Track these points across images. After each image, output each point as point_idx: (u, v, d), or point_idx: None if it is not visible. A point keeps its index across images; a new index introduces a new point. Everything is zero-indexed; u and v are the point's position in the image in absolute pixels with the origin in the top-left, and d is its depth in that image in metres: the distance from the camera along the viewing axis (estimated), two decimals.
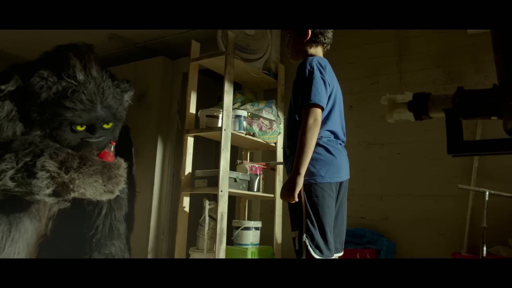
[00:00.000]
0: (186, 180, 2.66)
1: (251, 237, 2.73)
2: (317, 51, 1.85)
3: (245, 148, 3.21)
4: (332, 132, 1.73)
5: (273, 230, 2.97)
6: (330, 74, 1.74)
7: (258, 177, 2.84)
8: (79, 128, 2.05)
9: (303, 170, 1.58)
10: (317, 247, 1.57)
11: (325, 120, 1.69)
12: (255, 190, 2.81)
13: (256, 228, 2.78)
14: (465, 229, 2.47)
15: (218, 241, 2.40)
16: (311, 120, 1.59)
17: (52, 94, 2.04)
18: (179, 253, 2.58)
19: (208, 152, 4.07)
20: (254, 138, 2.81)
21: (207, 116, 2.67)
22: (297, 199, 1.60)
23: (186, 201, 2.65)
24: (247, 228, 2.73)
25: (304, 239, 1.57)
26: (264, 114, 2.87)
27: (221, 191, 2.45)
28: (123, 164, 2.03)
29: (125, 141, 2.48)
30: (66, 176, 1.83)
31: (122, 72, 3.91)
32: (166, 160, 3.61)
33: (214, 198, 2.68)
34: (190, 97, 2.75)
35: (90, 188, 1.87)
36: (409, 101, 1.48)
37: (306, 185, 1.61)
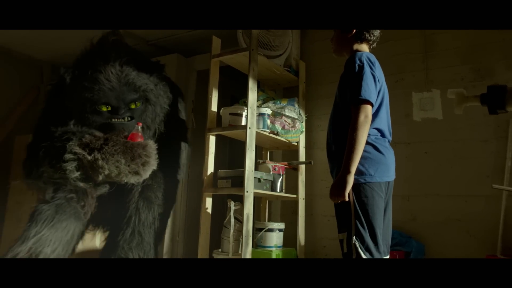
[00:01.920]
0: (209, 180, 2.57)
1: (274, 239, 2.65)
2: (363, 47, 1.80)
3: (265, 148, 3.13)
4: (379, 130, 1.66)
5: (295, 231, 2.88)
6: (379, 71, 1.69)
7: (281, 177, 2.76)
8: (104, 108, 2.06)
9: (354, 168, 1.50)
10: (368, 250, 1.49)
11: (373, 118, 1.62)
12: (278, 190, 2.73)
13: (280, 230, 2.70)
14: (498, 230, 2.39)
15: (245, 243, 2.31)
16: (362, 117, 1.52)
17: (75, 77, 2.13)
18: (202, 256, 2.49)
19: (221, 151, 3.99)
20: (277, 137, 2.73)
21: (230, 114, 2.58)
22: (347, 199, 1.52)
23: (208, 202, 2.56)
24: (271, 230, 2.65)
25: (353, 241, 1.50)
26: (287, 112, 2.79)
27: (247, 191, 2.37)
28: (150, 144, 2.01)
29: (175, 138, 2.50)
30: (89, 157, 1.87)
31: None
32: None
33: (235, 199, 2.60)
34: (211, 95, 2.66)
35: (114, 169, 1.88)
36: (482, 94, 1.41)
37: (355, 185, 1.54)
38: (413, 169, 2.72)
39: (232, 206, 2.46)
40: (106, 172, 1.88)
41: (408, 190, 2.72)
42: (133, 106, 2.08)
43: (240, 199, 2.53)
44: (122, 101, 2.05)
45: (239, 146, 3.55)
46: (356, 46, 1.80)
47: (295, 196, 2.88)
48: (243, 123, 2.55)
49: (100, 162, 1.87)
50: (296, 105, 2.86)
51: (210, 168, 2.59)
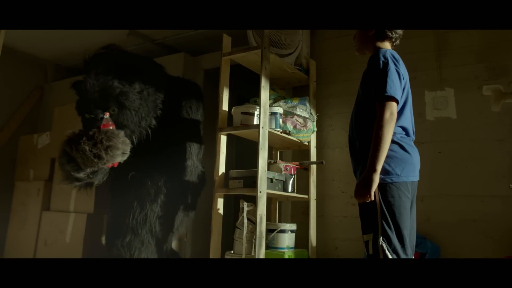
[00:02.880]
0: (220, 180, 2.52)
1: (286, 240, 2.61)
2: (385, 45, 1.77)
3: (275, 147, 3.09)
4: (404, 128, 1.63)
5: (306, 232, 2.84)
6: (403, 68, 1.66)
7: (293, 177, 2.71)
8: (88, 116, 2.23)
9: (379, 167, 1.47)
10: (395, 251, 1.45)
11: (398, 115, 1.59)
12: (290, 191, 2.68)
13: (292, 231, 2.66)
14: None
15: (258, 244, 2.27)
16: (387, 114, 1.49)
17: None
18: (214, 257, 2.44)
19: (227, 151, 3.94)
20: (288, 137, 2.69)
21: (242, 113, 2.54)
22: (373, 198, 1.48)
23: (220, 203, 2.51)
24: (283, 231, 2.61)
25: (380, 243, 1.45)
26: (298, 111, 2.75)
27: (260, 192, 2.32)
28: (112, 131, 2.12)
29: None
30: (68, 149, 2.08)
31: None
32: None
33: (246, 199, 2.56)
34: (222, 94, 2.62)
35: (83, 156, 2.04)
36: None
37: (381, 185, 1.50)
38: (426, 169, 2.64)
39: (245, 207, 2.42)
40: (80, 160, 2.05)
41: (421, 191, 2.63)
42: (112, 112, 2.22)
43: (251, 200, 2.49)
44: (96, 108, 2.20)
45: (246, 146, 3.50)
46: (378, 44, 1.77)
47: (306, 196, 2.84)
48: (255, 122, 2.51)
49: (74, 152, 2.05)
50: (308, 104, 2.82)
51: (222, 168, 2.55)
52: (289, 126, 2.70)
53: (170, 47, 3.90)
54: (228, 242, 2.77)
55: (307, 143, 2.90)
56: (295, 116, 2.74)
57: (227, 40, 2.70)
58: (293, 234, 2.67)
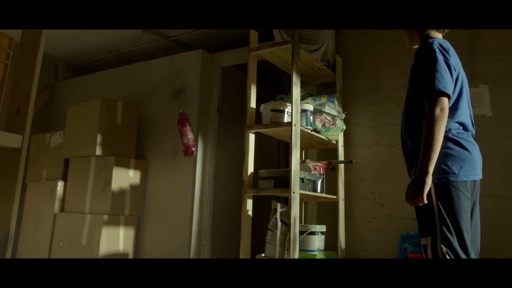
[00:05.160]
0: (249, 180, 2.43)
1: (317, 242, 2.51)
2: (432, 34, 1.66)
3: (300, 146, 2.99)
4: (460, 123, 1.53)
5: (334, 234, 2.75)
6: (454, 57, 1.55)
7: (322, 177, 2.62)
8: None
9: (431, 168, 1.37)
10: (456, 256, 1.35)
11: (452, 110, 1.49)
12: (319, 191, 2.59)
13: (322, 233, 2.56)
14: None
15: (292, 247, 2.18)
16: (437, 111, 1.39)
17: None
18: None
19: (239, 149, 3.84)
20: (318, 135, 2.60)
21: (272, 110, 2.44)
22: (425, 201, 1.38)
23: (249, 204, 2.41)
24: (313, 233, 2.51)
25: (441, 248, 1.35)
26: (327, 109, 2.65)
27: (294, 192, 2.23)
28: None
29: None
30: None
31: (158, 66, 3.69)
32: (206, 160, 3.37)
33: (277, 200, 2.46)
34: (250, 90, 2.52)
35: None
36: None
37: (437, 185, 1.40)
38: None
39: (279, 208, 2.32)
40: None
41: None
42: None
43: (279, 200, 2.40)
44: None
45: (261, 144, 3.39)
46: (425, 33, 1.66)
47: (335, 197, 2.74)
48: (286, 120, 2.42)
49: None
50: (336, 102, 2.73)
51: (251, 168, 2.45)
52: (318, 124, 2.61)
53: (186, 44, 3.80)
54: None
55: (334, 142, 2.80)
56: (324, 114, 2.64)
57: (254, 36, 2.61)
58: (323, 236, 2.58)
